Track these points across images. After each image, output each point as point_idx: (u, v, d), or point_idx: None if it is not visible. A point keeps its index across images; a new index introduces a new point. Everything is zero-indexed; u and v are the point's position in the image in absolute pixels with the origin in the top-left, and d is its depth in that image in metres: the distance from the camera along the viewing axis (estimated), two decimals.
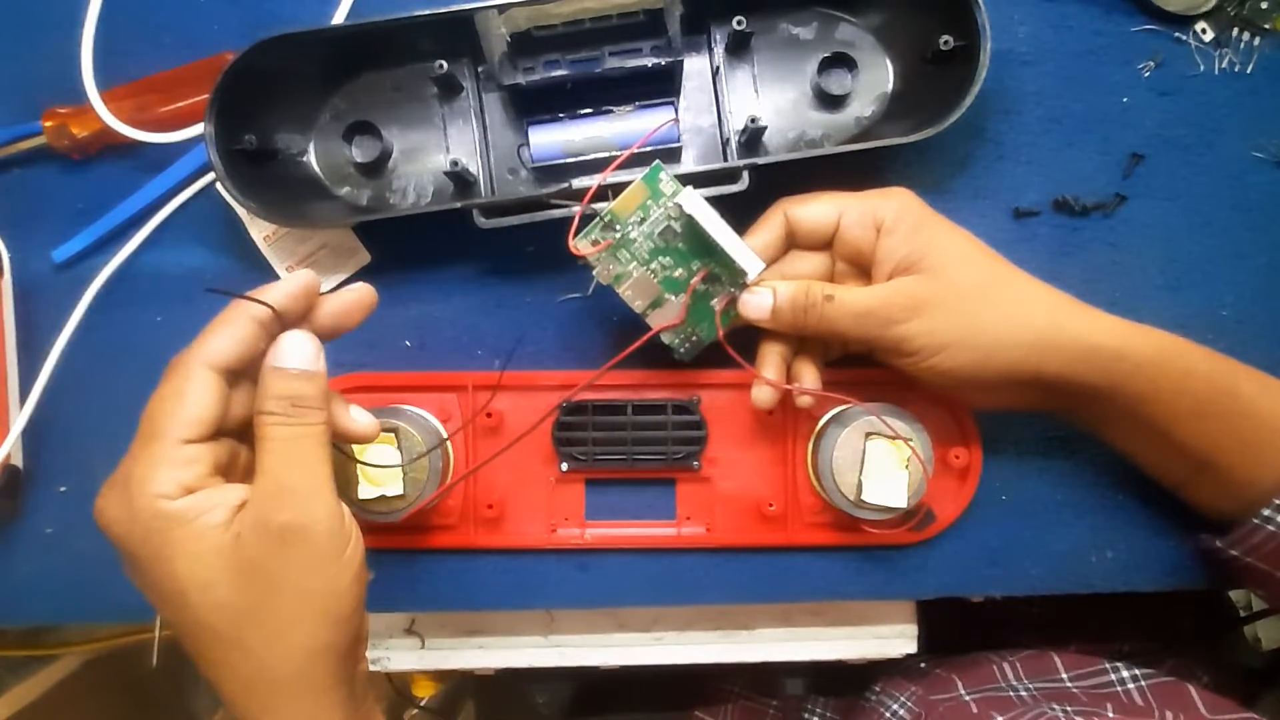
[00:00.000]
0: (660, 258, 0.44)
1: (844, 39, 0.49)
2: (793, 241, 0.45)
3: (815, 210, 0.44)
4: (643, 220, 0.43)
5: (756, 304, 0.44)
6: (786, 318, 0.43)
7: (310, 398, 0.34)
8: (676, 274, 0.44)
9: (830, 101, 0.49)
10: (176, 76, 0.50)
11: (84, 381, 0.50)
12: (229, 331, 0.34)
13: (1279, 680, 0.71)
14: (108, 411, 0.51)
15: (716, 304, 0.45)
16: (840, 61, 0.49)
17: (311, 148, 0.50)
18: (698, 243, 0.43)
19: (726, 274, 0.44)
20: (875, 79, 0.49)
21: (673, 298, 0.44)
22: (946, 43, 0.45)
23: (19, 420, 0.48)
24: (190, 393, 0.33)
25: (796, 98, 0.49)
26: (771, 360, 0.45)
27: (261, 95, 0.47)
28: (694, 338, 0.46)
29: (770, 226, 0.45)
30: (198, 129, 0.48)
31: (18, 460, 0.49)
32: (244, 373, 0.35)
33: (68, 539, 0.51)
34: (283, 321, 0.35)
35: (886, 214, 0.42)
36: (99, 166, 0.51)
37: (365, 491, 0.45)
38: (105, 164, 0.51)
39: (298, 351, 0.34)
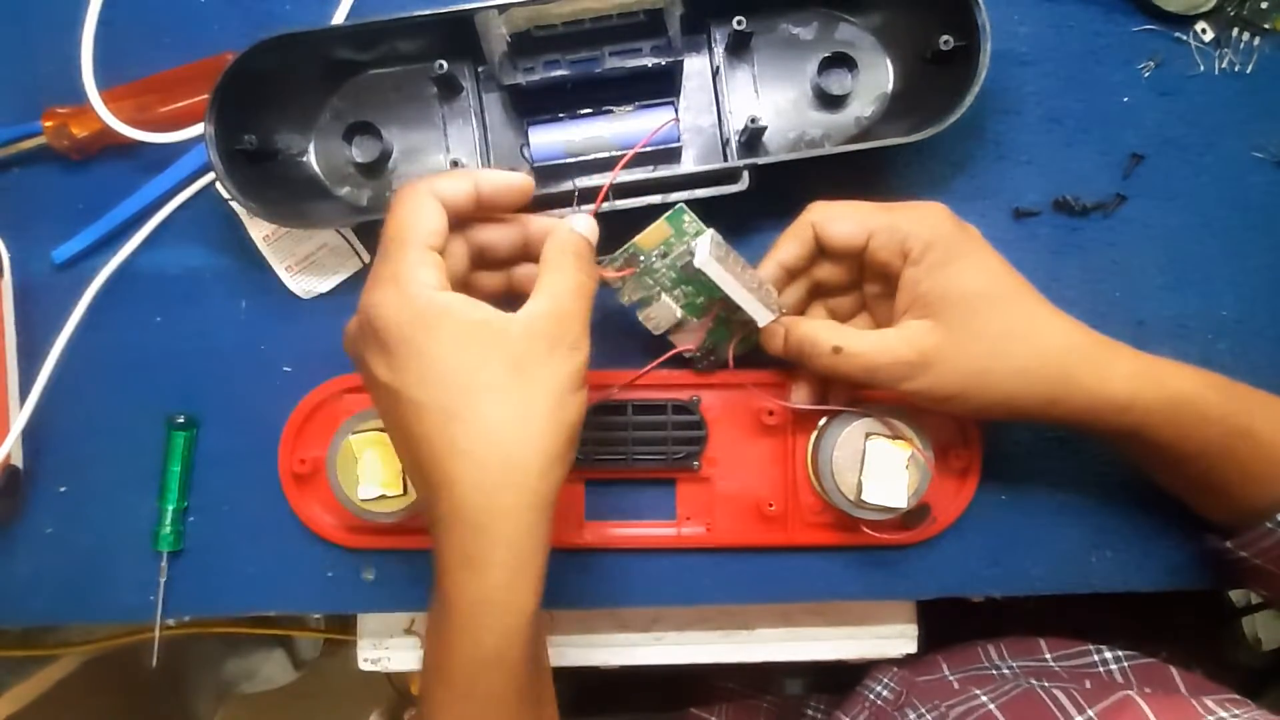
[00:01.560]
0: (683, 286, 0.44)
1: (844, 39, 0.49)
2: (821, 251, 0.44)
3: (843, 229, 0.43)
4: (665, 255, 0.44)
5: (770, 339, 0.44)
6: (794, 358, 0.44)
7: (591, 258, 0.39)
8: (699, 300, 0.45)
9: (830, 101, 0.49)
10: (176, 76, 0.50)
11: (84, 381, 0.50)
12: (458, 183, 0.38)
13: (1278, 679, 0.71)
14: (108, 411, 0.51)
15: (733, 330, 0.45)
16: (840, 61, 0.49)
17: (311, 148, 0.50)
18: None
19: None
20: (875, 79, 0.49)
21: (695, 320, 0.45)
22: (946, 43, 0.45)
23: (19, 420, 0.48)
24: (429, 209, 0.37)
25: (796, 98, 0.49)
26: (805, 382, 0.47)
27: (261, 95, 0.47)
28: (711, 356, 0.47)
29: (798, 239, 0.44)
30: (198, 129, 0.48)
31: (18, 460, 0.49)
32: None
33: (68, 539, 0.51)
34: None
35: (914, 244, 0.41)
36: (99, 166, 0.51)
37: (365, 491, 0.45)
38: (105, 164, 0.51)
39: (590, 226, 0.40)
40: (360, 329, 0.36)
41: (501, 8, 0.44)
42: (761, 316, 0.42)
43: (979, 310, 0.41)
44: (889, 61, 0.49)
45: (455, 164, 0.47)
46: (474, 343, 0.35)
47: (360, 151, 0.49)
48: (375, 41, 0.48)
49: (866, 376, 0.42)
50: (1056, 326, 0.42)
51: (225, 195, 0.49)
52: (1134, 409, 0.41)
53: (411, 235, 0.36)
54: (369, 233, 0.51)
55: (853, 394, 0.47)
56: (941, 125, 0.44)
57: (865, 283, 0.45)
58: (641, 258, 0.44)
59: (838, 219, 0.43)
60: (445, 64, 0.47)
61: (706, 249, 0.41)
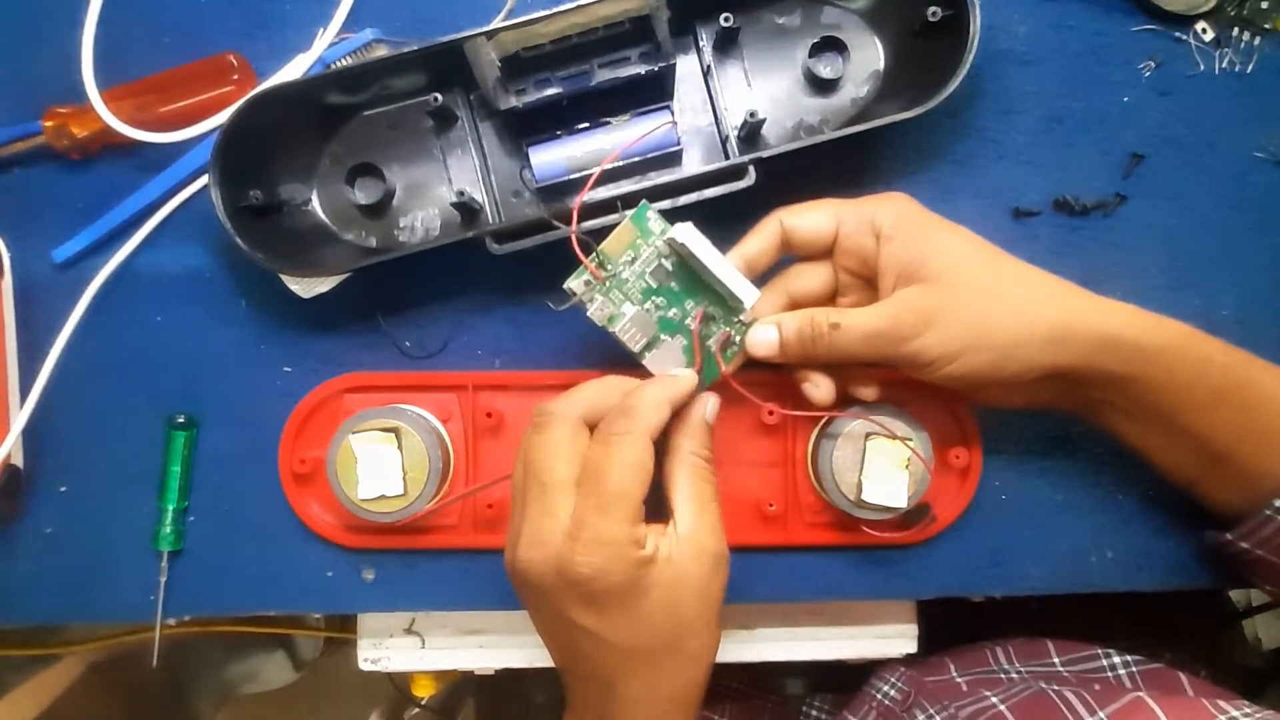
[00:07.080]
0: (654, 297, 0.43)
1: (830, 22, 0.49)
2: (789, 250, 0.44)
3: (812, 219, 0.43)
4: (634, 260, 0.43)
5: (763, 341, 0.43)
6: (794, 350, 0.43)
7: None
8: (671, 314, 0.43)
9: (824, 86, 0.49)
10: (176, 76, 0.50)
11: (84, 381, 0.50)
12: (662, 412, 0.40)
13: (1278, 679, 0.71)
14: (108, 411, 0.51)
15: (714, 344, 0.43)
16: (829, 45, 0.49)
17: (315, 195, 0.49)
18: (691, 281, 0.43)
19: (721, 310, 0.43)
20: (866, 58, 0.49)
21: (668, 338, 0.43)
22: (935, 14, 0.45)
23: (19, 420, 0.48)
24: (647, 465, 0.38)
25: (790, 86, 0.49)
26: (815, 379, 0.45)
27: (260, 150, 0.47)
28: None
29: (765, 234, 0.44)
30: (198, 129, 0.48)
31: (18, 460, 0.49)
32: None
33: (68, 539, 0.51)
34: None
35: (885, 220, 0.42)
36: (99, 166, 0.51)
37: (365, 491, 0.45)
38: (105, 164, 0.51)
39: (717, 409, 0.42)
40: (560, 581, 0.37)
41: (489, 33, 0.43)
42: (748, 294, 0.41)
43: (966, 265, 0.41)
44: (877, 40, 0.49)
45: (461, 194, 0.46)
46: (673, 589, 0.38)
47: (363, 194, 0.49)
48: (365, 83, 0.47)
49: (868, 346, 0.41)
50: (1045, 276, 0.43)
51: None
52: (1142, 346, 0.41)
53: (634, 494, 0.37)
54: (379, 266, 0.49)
55: (869, 375, 0.45)
56: (943, 94, 0.44)
57: (839, 296, 0.45)
58: (609, 266, 0.42)
59: (805, 211, 0.44)
60: (440, 96, 0.47)
61: (688, 226, 0.41)
